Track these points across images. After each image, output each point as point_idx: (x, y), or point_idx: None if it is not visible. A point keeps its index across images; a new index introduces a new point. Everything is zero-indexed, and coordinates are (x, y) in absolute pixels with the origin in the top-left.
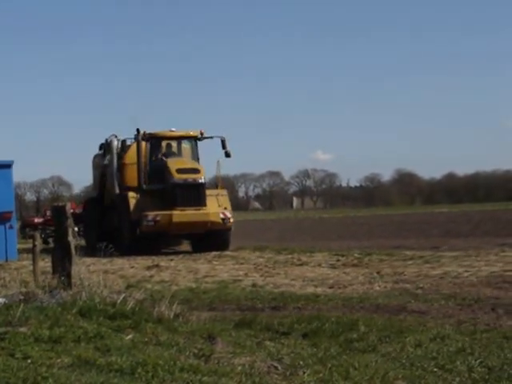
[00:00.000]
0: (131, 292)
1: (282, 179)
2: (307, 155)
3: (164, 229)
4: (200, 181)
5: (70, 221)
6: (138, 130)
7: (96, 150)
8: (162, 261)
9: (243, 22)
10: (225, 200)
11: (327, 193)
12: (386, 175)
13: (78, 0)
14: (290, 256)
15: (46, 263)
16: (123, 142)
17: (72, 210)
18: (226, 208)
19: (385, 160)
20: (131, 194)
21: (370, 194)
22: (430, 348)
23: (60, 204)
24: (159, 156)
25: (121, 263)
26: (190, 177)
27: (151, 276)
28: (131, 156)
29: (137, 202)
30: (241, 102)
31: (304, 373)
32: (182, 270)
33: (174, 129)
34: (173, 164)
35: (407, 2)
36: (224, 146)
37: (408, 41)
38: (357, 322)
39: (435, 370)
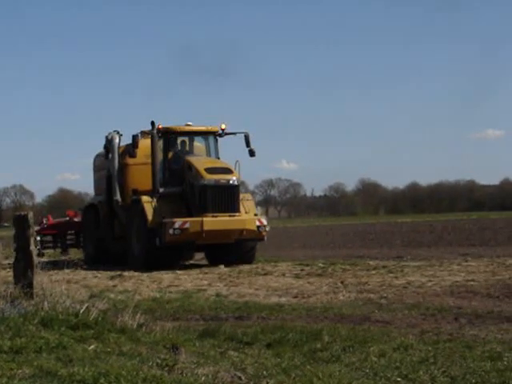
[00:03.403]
0: (94, 302)
1: (246, 188)
2: (271, 165)
3: (193, 238)
4: (234, 182)
5: (33, 230)
6: (153, 123)
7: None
8: (126, 270)
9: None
10: (252, 205)
11: (291, 202)
12: (350, 185)
13: None
14: (254, 265)
15: (7, 273)
16: (134, 137)
17: (68, 218)
18: (256, 214)
19: (349, 170)
20: (145, 199)
21: (335, 203)
22: (393, 358)
23: (22, 213)
24: (175, 154)
25: (84, 273)
26: (222, 177)
27: (114, 286)
28: (143, 154)
29: (154, 207)
30: (204, 110)
31: (267, 383)
32: (145, 280)
33: (190, 123)
34: (200, 163)
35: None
36: (248, 144)
37: (370, 49)
38: (320, 331)
39: (398, 379)
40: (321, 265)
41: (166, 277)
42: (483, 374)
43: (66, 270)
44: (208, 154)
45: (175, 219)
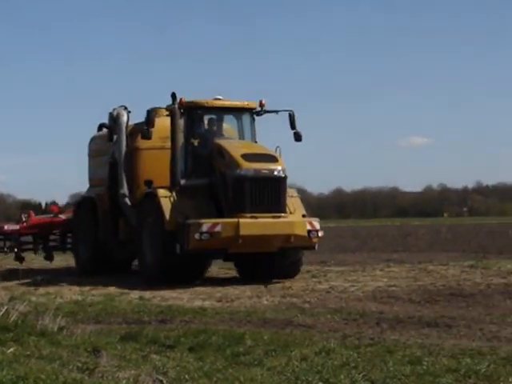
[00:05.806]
0: (14, 304)
1: None
2: None
3: (225, 245)
4: (279, 173)
5: None
6: (174, 96)
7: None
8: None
9: None
10: (298, 203)
11: None
12: None
13: None
14: None
15: None
16: (150, 112)
17: (53, 215)
18: (304, 215)
19: None
20: (162, 193)
21: None
22: (315, 362)
23: None
24: (201, 136)
25: (4, 275)
26: (264, 167)
27: (36, 288)
28: (158, 136)
29: (173, 204)
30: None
31: None
32: (67, 282)
33: (220, 97)
34: (234, 147)
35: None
36: (293, 125)
37: (306, 58)
38: (243, 335)
39: (320, 383)
40: None
41: (89, 279)
42: (403, 377)
43: None
44: (241, 136)
45: (202, 220)
